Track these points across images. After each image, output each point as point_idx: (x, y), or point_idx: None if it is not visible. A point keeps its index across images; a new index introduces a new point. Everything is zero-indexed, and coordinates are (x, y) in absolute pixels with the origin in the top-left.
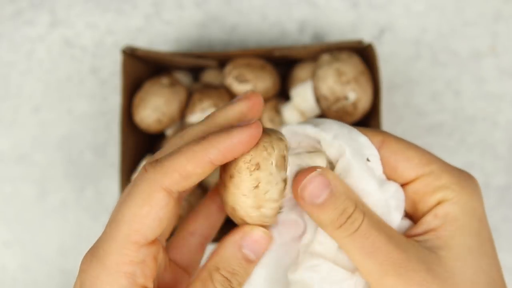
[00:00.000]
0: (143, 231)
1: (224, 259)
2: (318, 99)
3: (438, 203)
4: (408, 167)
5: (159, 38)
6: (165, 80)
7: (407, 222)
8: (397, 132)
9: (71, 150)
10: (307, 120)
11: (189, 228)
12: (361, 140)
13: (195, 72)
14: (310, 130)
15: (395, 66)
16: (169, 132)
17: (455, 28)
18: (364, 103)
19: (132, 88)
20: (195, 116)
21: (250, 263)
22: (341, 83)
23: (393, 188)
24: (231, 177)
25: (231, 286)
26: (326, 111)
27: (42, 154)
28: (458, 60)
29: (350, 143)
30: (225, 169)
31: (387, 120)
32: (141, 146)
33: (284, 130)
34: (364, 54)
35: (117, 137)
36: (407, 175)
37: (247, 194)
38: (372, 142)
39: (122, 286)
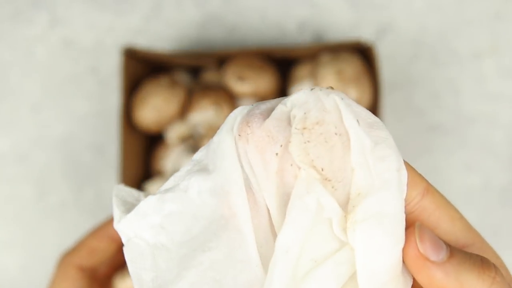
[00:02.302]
0: None
1: None
2: None
3: None
4: (450, 229)
5: (159, 38)
6: (164, 80)
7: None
8: (397, 132)
9: (70, 151)
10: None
11: None
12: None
13: (195, 72)
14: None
15: (395, 66)
16: (168, 132)
17: (455, 28)
18: (364, 103)
19: (132, 88)
20: (195, 116)
21: None
22: (341, 82)
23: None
24: None
25: None
26: None
27: (41, 154)
28: (458, 60)
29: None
30: None
31: (387, 120)
32: (140, 146)
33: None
34: (364, 54)
35: (116, 137)
36: (448, 240)
37: None
38: (416, 187)
39: None
